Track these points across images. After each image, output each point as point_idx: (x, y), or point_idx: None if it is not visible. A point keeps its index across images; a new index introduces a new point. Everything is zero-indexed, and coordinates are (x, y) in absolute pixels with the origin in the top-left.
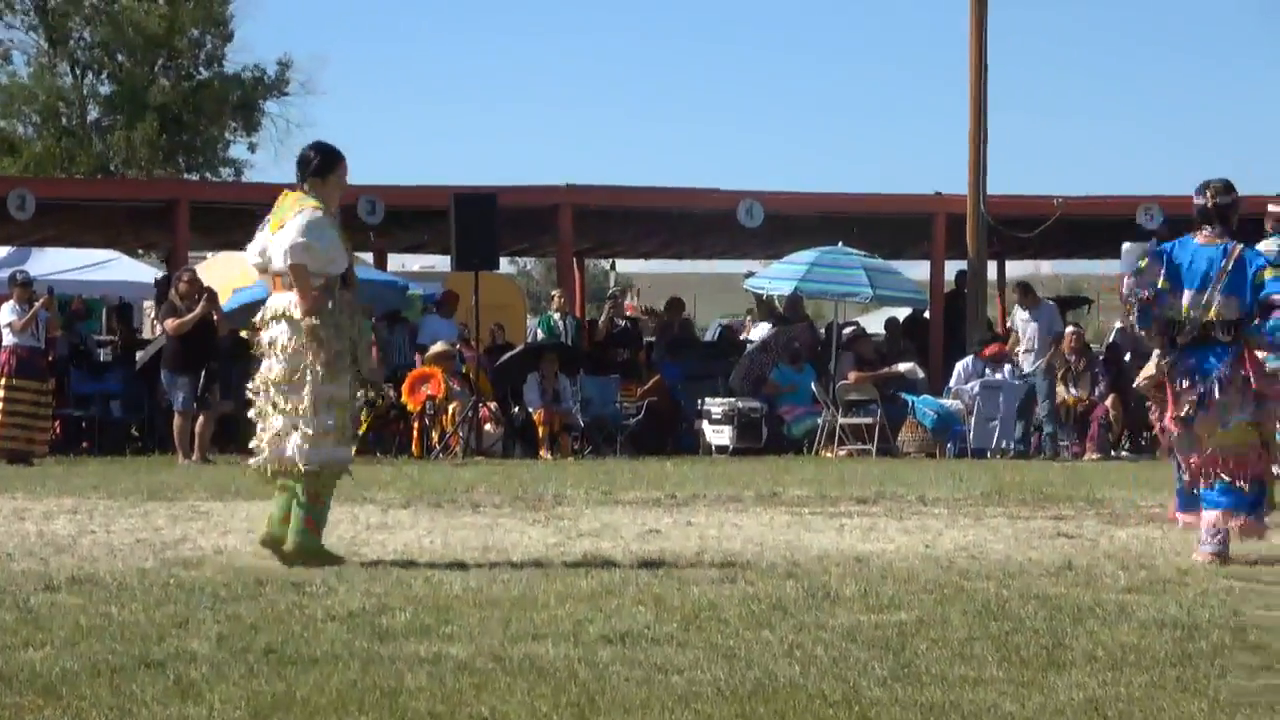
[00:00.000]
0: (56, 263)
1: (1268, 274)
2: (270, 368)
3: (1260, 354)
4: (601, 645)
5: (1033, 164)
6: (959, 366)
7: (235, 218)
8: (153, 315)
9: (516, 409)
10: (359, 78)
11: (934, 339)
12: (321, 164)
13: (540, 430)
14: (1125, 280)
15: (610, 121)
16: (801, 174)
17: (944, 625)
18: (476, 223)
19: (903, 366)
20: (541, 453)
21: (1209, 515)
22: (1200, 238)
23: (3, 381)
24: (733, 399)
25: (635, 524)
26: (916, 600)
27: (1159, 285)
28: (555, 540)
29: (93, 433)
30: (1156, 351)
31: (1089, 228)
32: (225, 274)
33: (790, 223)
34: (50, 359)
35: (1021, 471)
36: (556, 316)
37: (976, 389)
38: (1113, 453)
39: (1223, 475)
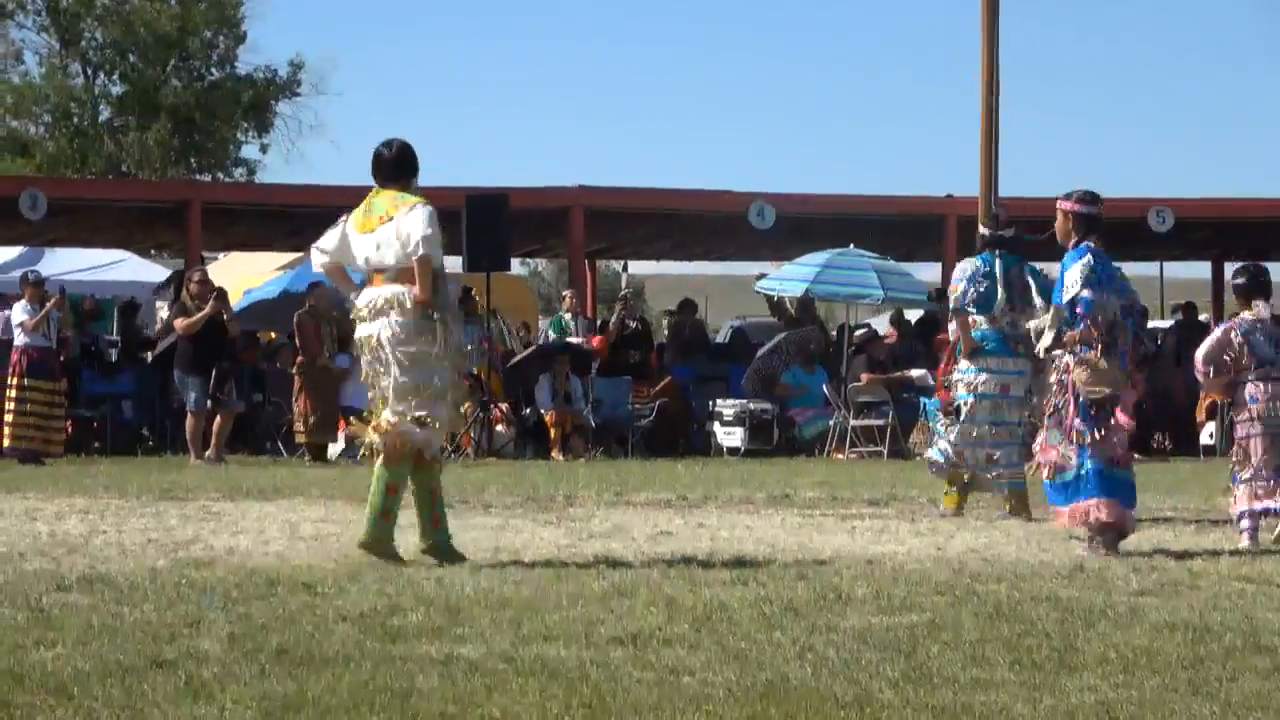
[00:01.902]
0: (68, 263)
1: (1121, 275)
2: (383, 360)
3: None
4: (613, 646)
5: (1045, 166)
6: None
7: (247, 218)
8: (162, 311)
9: (528, 410)
10: (371, 79)
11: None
12: (415, 163)
13: (552, 431)
14: (1093, 308)
15: (622, 123)
16: (813, 176)
17: (956, 627)
18: (488, 224)
19: (915, 372)
20: (553, 454)
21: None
22: (1096, 243)
23: (14, 381)
24: (744, 400)
25: (647, 525)
26: (928, 602)
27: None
28: (567, 541)
29: (104, 433)
30: (1092, 362)
31: (1101, 229)
32: (237, 274)
33: (802, 224)
34: (62, 359)
35: (1033, 473)
36: (568, 317)
37: None
38: None
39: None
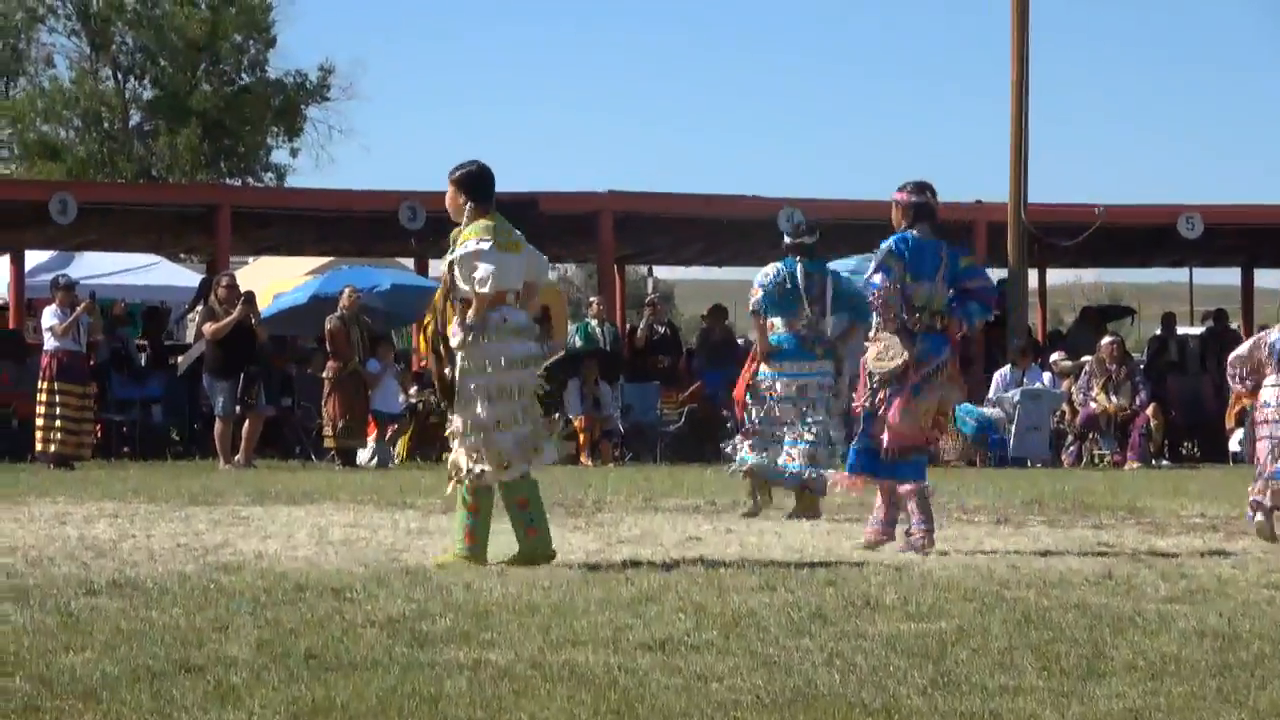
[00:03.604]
0: (98, 267)
1: (964, 262)
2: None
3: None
4: (641, 652)
5: (1074, 172)
6: (996, 376)
7: (277, 223)
8: (190, 318)
9: (557, 415)
10: (400, 83)
11: (974, 347)
12: None
13: (581, 437)
14: (879, 290)
15: (652, 128)
16: (843, 181)
17: (984, 634)
18: (517, 228)
19: None
20: (582, 459)
21: (900, 486)
22: (919, 233)
23: (44, 385)
24: None
25: (675, 531)
26: (956, 609)
27: (905, 279)
28: (595, 546)
29: (134, 437)
30: (885, 338)
31: (1130, 236)
32: (267, 278)
33: (831, 229)
34: (92, 363)
35: (1062, 480)
36: (595, 323)
37: (1017, 397)
38: (1154, 462)
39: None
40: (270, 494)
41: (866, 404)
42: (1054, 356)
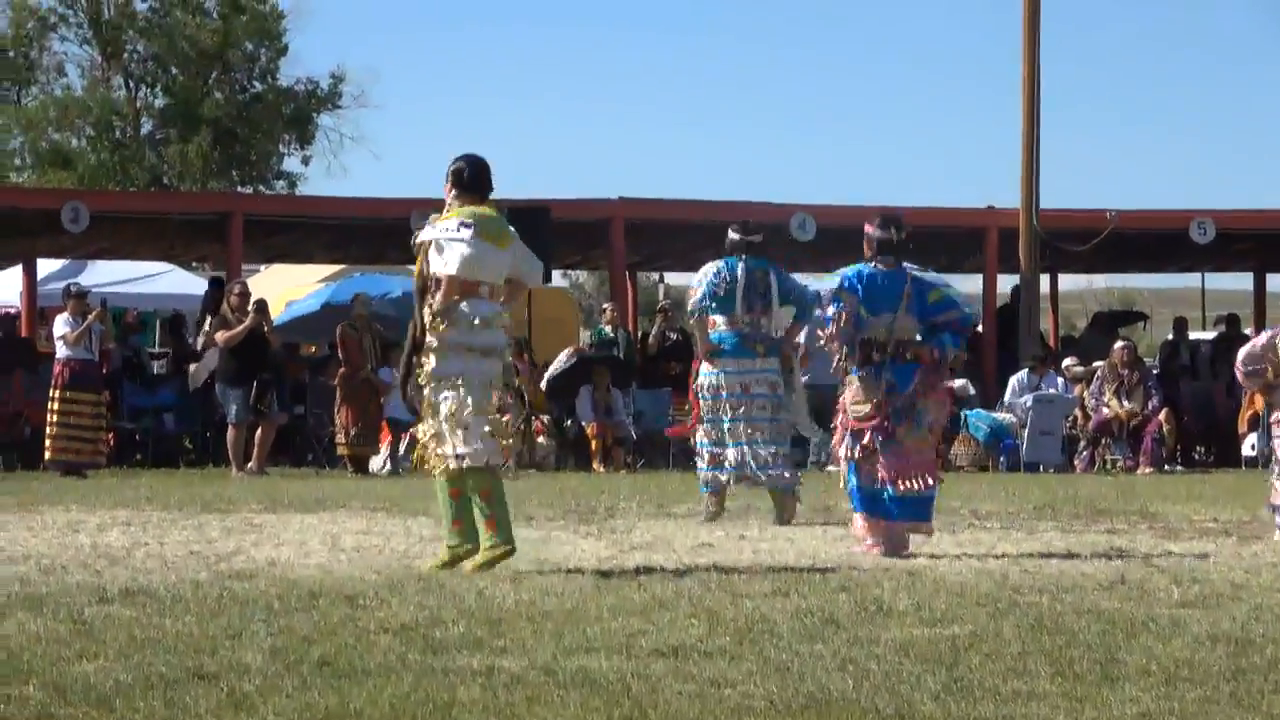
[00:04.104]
0: (110, 275)
1: (936, 296)
2: (493, 378)
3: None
4: (654, 658)
5: (1085, 178)
6: (1012, 380)
7: (289, 230)
8: (201, 325)
9: (569, 422)
10: (412, 91)
11: (986, 353)
12: None
13: (593, 443)
14: (829, 325)
15: (663, 135)
16: (854, 187)
17: (997, 639)
18: (529, 235)
19: (955, 382)
20: (594, 466)
21: (890, 525)
22: (880, 265)
23: (56, 394)
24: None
25: (688, 537)
26: (969, 614)
27: (859, 313)
28: (608, 553)
29: (146, 445)
30: (855, 381)
31: (1142, 241)
32: (279, 286)
33: (843, 236)
34: (104, 371)
35: (1074, 485)
36: (609, 330)
37: (1029, 403)
38: (1166, 467)
39: (907, 483)
40: (283, 501)
41: (852, 454)
42: (1066, 362)
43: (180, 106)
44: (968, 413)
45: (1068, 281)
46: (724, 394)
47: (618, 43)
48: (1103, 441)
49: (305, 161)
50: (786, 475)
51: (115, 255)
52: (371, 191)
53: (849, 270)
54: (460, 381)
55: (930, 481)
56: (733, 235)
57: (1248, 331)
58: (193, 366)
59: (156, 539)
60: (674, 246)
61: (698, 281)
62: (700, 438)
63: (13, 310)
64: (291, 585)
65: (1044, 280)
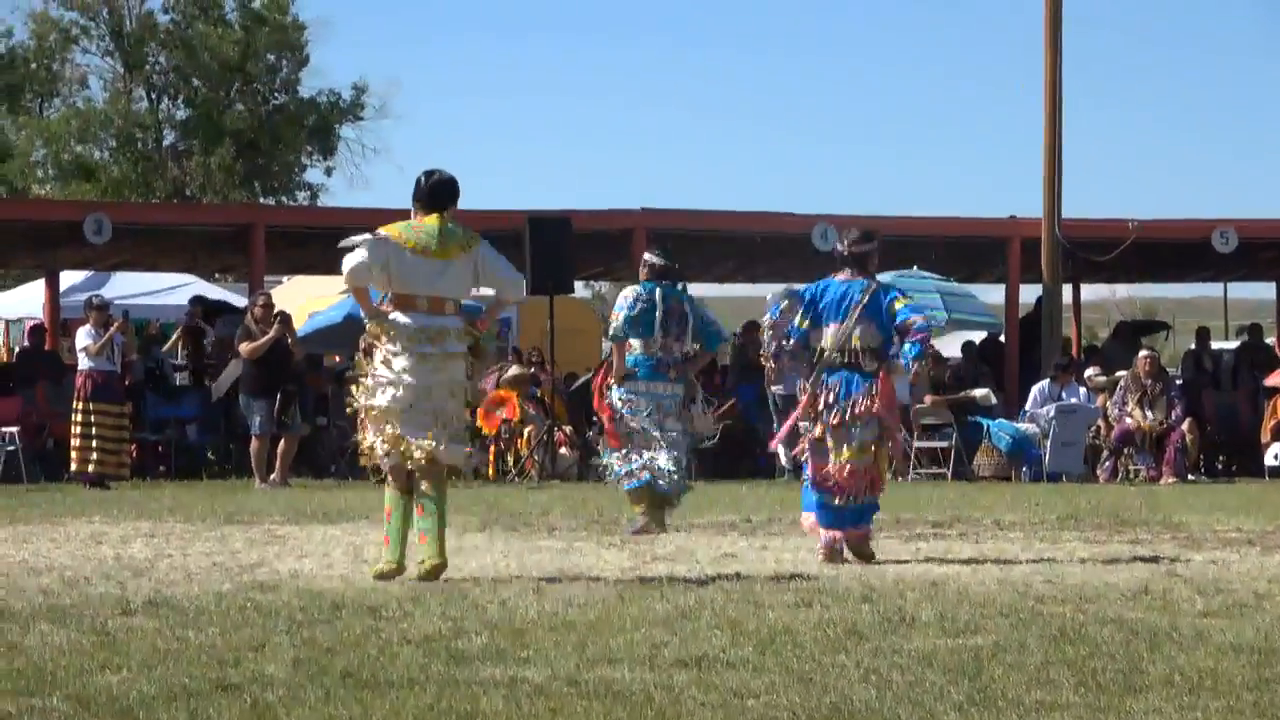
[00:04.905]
0: (133, 287)
1: (899, 304)
2: (429, 388)
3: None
4: (677, 669)
5: (1108, 187)
6: (1035, 390)
7: (311, 242)
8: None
9: (591, 433)
10: (434, 101)
11: (1009, 363)
12: (459, 190)
13: None
14: (766, 325)
15: (685, 145)
16: (876, 197)
17: (1020, 650)
18: (551, 246)
19: (977, 392)
20: None
21: (827, 533)
22: (839, 277)
23: (80, 405)
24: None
25: (710, 548)
26: (993, 624)
27: (798, 324)
28: (630, 564)
29: (169, 457)
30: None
31: (1164, 251)
32: (301, 297)
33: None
34: (126, 383)
35: (1097, 496)
36: None
37: (1052, 413)
38: (1189, 477)
39: (859, 493)
40: (306, 513)
41: (798, 452)
42: (1089, 372)
43: (202, 118)
44: (990, 423)
45: (1090, 291)
46: (636, 410)
47: (640, 54)
48: (1125, 451)
49: (328, 172)
50: (689, 483)
51: (138, 267)
52: (394, 203)
53: (815, 283)
54: (401, 384)
55: (865, 491)
56: (653, 260)
57: (1269, 340)
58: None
59: (180, 550)
60: (695, 257)
61: (618, 306)
62: (615, 457)
63: (38, 321)
64: (314, 597)
65: (1066, 290)
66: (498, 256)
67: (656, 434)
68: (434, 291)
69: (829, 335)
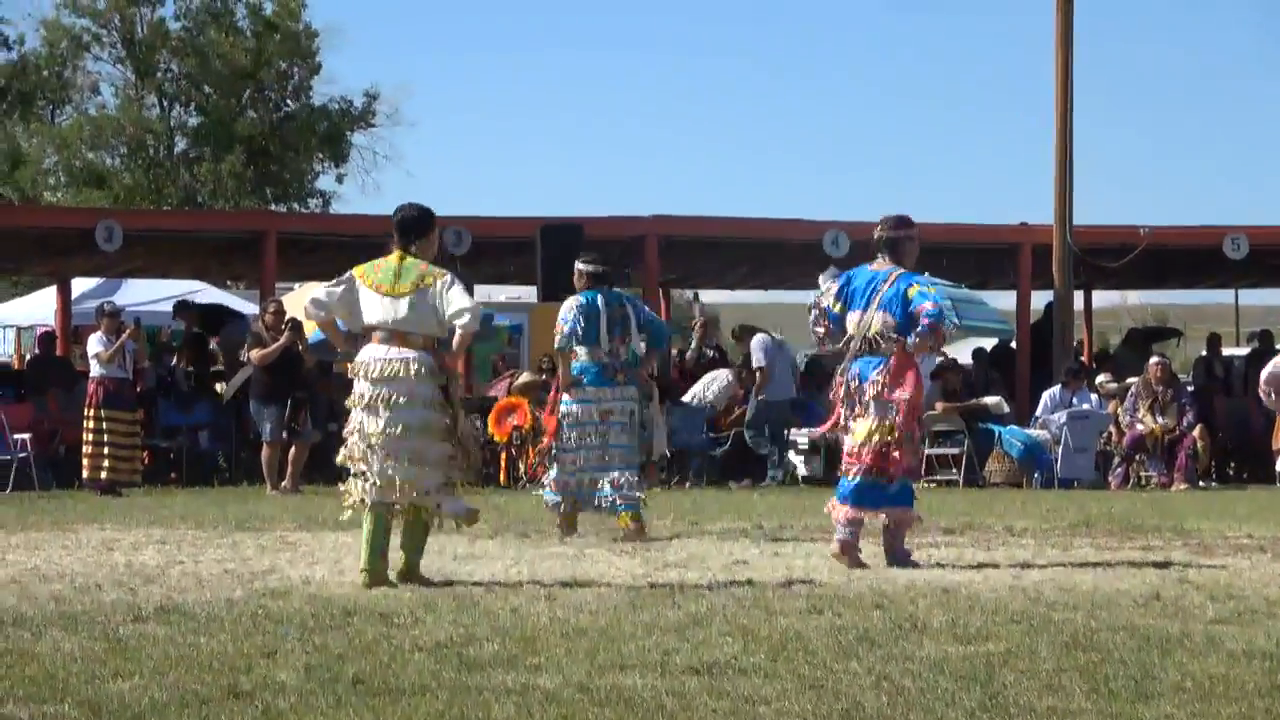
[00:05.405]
0: (144, 294)
1: (913, 290)
2: (393, 421)
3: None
4: (688, 676)
5: (1119, 194)
6: (1045, 396)
7: (323, 249)
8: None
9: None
10: (445, 109)
11: (1020, 369)
12: (427, 224)
13: None
14: (810, 305)
15: (696, 153)
16: (888, 204)
17: (1032, 656)
18: (563, 253)
19: (989, 400)
20: None
21: (841, 509)
22: (872, 265)
23: (91, 412)
24: (820, 429)
25: (722, 554)
26: (1004, 631)
27: (833, 307)
28: (642, 570)
29: (181, 464)
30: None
31: (1176, 258)
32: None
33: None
34: (138, 390)
35: (1108, 502)
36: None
37: (1064, 419)
38: (1201, 483)
39: (864, 471)
40: (317, 519)
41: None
42: (1100, 378)
43: (214, 125)
44: (1001, 430)
45: (1101, 298)
46: (583, 421)
47: (652, 63)
48: (1137, 458)
49: (339, 180)
50: (637, 495)
51: (149, 274)
52: None
53: (854, 269)
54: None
55: (891, 470)
56: (590, 269)
57: None
58: (220, 386)
59: (191, 557)
60: (707, 264)
61: (562, 318)
62: (553, 466)
63: (48, 328)
64: (326, 603)
65: (1078, 297)
66: (452, 288)
67: (599, 449)
68: (393, 326)
69: (851, 323)
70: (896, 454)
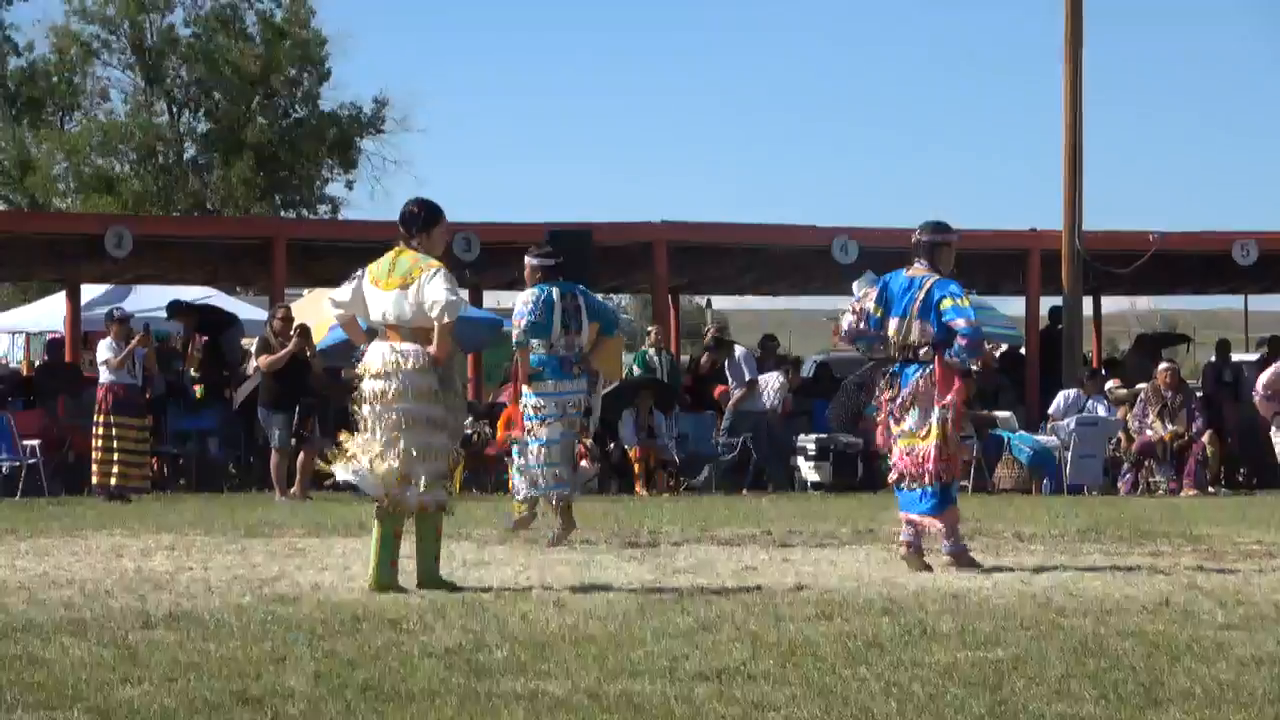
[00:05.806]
0: (154, 300)
1: (946, 304)
2: (388, 415)
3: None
4: (698, 682)
5: (1129, 199)
6: (1060, 396)
7: (332, 255)
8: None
9: (612, 445)
10: (455, 115)
11: (1029, 375)
12: (428, 218)
13: (636, 466)
14: (848, 308)
15: (705, 158)
16: (897, 210)
17: (1041, 662)
18: (572, 259)
19: (1000, 414)
20: (637, 489)
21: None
22: (909, 270)
23: (101, 418)
24: (828, 435)
25: (731, 560)
26: (1013, 637)
27: (873, 311)
28: (651, 577)
29: (190, 470)
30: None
31: (1185, 263)
32: (322, 311)
33: (885, 259)
34: (147, 396)
35: (1118, 508)
36: (651, 352)
37: (1072, 425)
38: (1210, 489)
39: (916, 479)
40: (326, 526)
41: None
42: (1109, 384)
43: (223, 131)
44: (1010, 436)
45: (1111, 304)
46: (544, 414)
47: (661, 68)
48: (1146, 464)
49: (349, 186)
50: (568, 491)
51: (158, 280)
52: None
53: (891, 272)
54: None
55: (929, 475)
56: (540, 264)
57: None
58: (234, 393)
59: (200, 563)
60: (716, 270)
61: (518, 313)
62: (518, 456)
63: (58, 335)
64: (335, 609)
65: (1087, 302)
66: (434, 280)
67: (559, 446)
68: (388, 320)
69: (891, 329)
70: (933, 462)
